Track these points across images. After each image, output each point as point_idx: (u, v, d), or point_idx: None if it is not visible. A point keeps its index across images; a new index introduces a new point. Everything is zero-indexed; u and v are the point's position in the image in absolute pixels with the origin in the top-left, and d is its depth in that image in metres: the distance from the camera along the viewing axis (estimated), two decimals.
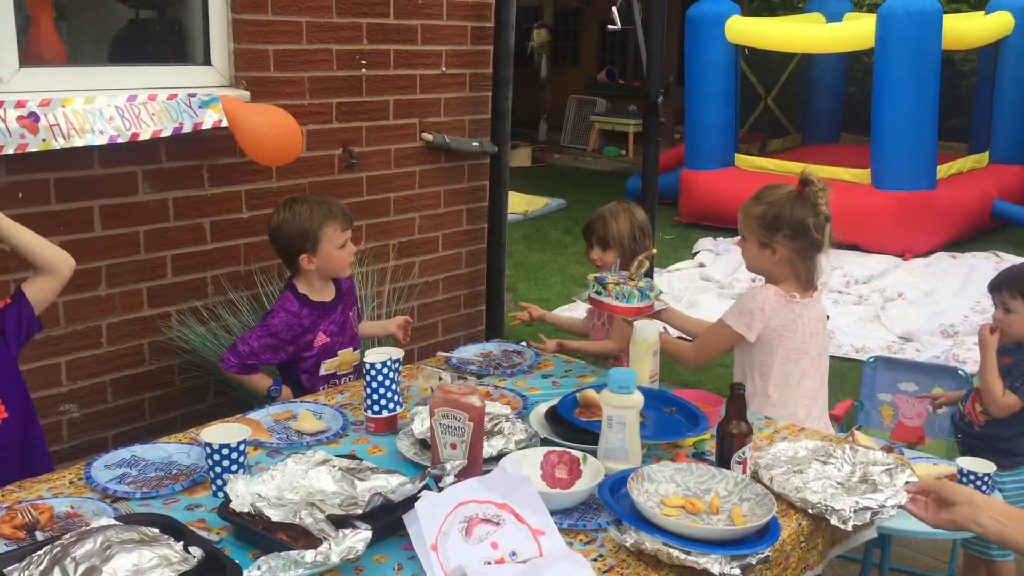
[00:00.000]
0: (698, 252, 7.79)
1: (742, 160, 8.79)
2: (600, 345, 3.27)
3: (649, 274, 3.70)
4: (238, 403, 3.46)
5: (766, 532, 1.82)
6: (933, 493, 1.85)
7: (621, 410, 2.08)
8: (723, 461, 2.06)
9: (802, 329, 2.64)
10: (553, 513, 1.85)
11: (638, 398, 2.09)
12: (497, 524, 1.79)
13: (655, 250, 3.15)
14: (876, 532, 2.19)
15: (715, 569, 1.72)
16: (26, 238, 2.41)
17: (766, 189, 2.70)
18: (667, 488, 1.97)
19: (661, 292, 2.89)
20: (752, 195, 2.72)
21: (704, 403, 2.43)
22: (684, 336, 3.08)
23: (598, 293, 2.80)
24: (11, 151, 2.83)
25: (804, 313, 2.65)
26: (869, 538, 2.18)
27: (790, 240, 2.60)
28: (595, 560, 1.78)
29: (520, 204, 9.04)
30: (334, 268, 3.00)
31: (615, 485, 1.95)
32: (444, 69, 4.21)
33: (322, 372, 3.00)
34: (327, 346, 3.01)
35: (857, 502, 1.97)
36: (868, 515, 1.96)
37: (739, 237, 2.74)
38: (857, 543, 2.14)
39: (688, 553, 1.74)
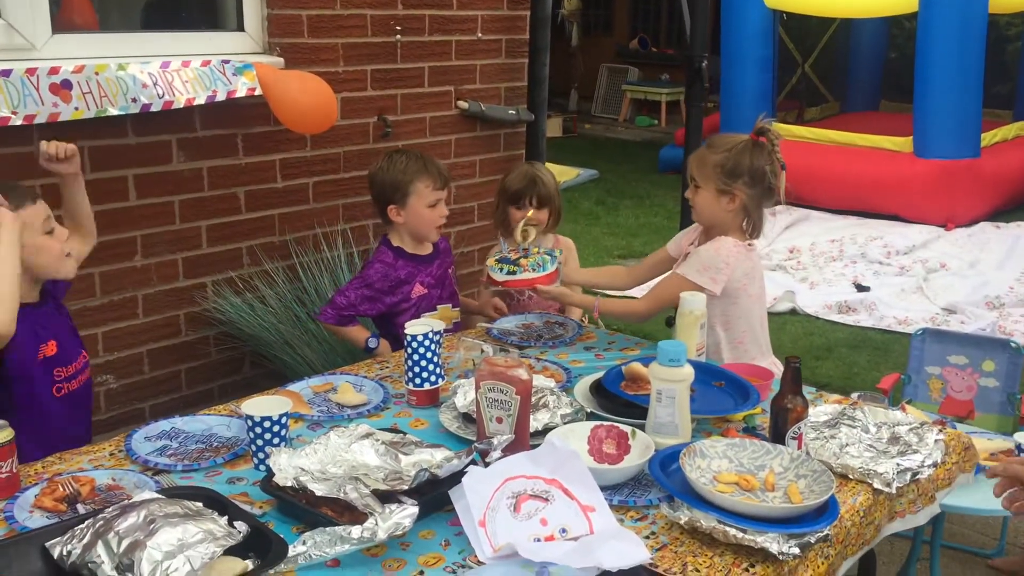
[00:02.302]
0: None
1: (779, 129, 8.59)
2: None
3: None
4: (274, 374, 3.44)
5: (824, 509, 1.75)
6: (1019, 481, 1.78)
7: (671, 384, 2.01)
8: (777, 436, 2.00)
9: (758, 274, 2.74)
10: (602, 489, 1.80)
11: (688, 371, 2.03)
12: (546, 500, 1.75)
13: (532, 213, 3.11)
14: (939, 508, 2.12)
15: (773, 548, 1.66)
16: (84, 197, 2.49)
17: (719, 139, 2.75)
18: (720, 464, 1.90)
19: (560, 252, 2.87)
20: (704, 145, 2.76)
21: (753, 376, 2.37)
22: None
23: (512, 273, 2.72)
24: (43, 120, 2.80)
25: (757, 259, 2.76)
26: (932, 515, 2.11)
27: (748, 187, 2.65)
28: (647, 538, 1.73)
29: None
30: (420, 225, 3.00)
31: (665, 461, 1.90)
32: (480, 35, 4.12)
33: None
34: (425, 298, 3.02)
35: (898, 464, 1.98)
36: (908, 476, 1.97)
37: (690, 187, 2.74)
38: (920, 522, 2.07)
39: (744, 531, 1.68)
